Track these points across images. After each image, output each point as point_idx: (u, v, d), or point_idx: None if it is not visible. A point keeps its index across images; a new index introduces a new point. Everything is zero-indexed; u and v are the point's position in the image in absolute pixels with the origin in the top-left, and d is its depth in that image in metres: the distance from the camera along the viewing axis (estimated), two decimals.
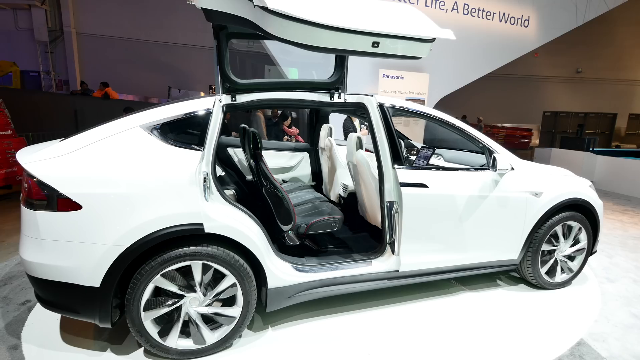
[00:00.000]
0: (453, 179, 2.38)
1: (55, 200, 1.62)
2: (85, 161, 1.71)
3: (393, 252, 2.31)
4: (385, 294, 2.54)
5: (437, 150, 3.27)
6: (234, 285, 1.88)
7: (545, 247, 2.69)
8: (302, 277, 2.09)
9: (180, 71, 12.65)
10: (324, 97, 2.59)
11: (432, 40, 1.89)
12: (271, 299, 2.02)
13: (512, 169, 2.54)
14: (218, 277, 1.88)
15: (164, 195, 1.73)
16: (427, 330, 2.21)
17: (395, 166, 2.25)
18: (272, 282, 1.98)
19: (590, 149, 7.96)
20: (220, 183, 2.99)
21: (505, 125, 17.28)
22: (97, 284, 1.66)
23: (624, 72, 18.31)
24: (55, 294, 1.74)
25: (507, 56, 7.70)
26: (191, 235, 1.78)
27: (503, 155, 2.50)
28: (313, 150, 3.67)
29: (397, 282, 2.35)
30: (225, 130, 6.17)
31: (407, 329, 2.22)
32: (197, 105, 2.01)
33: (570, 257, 2.85)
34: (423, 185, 2.26)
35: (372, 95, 2.36)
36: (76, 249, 1.65)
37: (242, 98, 2.36)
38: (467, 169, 2.49)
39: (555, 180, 2.70)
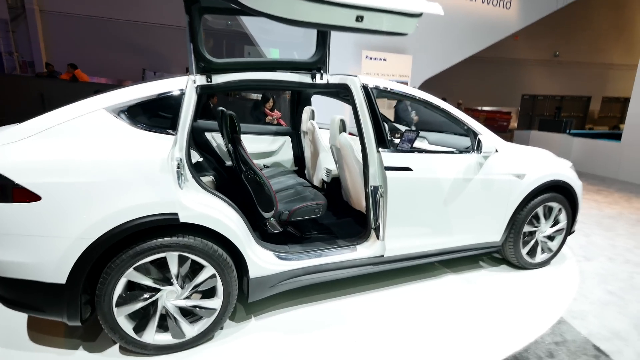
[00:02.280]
0: (438, 162, 2.34)
1: (10, 191, 1.47)
2: (43, 147, 1.56)
3: (378, 237, 2.27)
4: (369, 279, 2.52)
5: (422, 133, 3.22)
6: (213, 276, 1.79)
7: (526, 228, 2.72)
8: (285, 266, 2.02)
9: (156, 53, 12.05)
10: (305, 78, 2.48)
11: (419, 15, 1.79)
12: (253, 289, 1.94)
13: (496, 151, 2.52)
14: (196, 268, 1.78)
15: (133, 184, 1.60)
16: (412, 315, 2.20)
17: (380, 149, 2.18)
18: (253, 272, 1.91)
19: (567, 132, 8.14)
20: (199, 169, 2.85)
21: (485, 108, 17.50)
22: (63, 281, 1.54)
23: (599, 55, 18.73)
24: (18, 293, 1.61)
25: (490, 38, 7.68)
26: (165, 226, 1.67)
27: (487, 137, 2.47)
28: (295, 134, 3.55)
29: (382, 267, 2.32)
30: (210, 114, 5.94)
31: (393, 314, 2.20)
32: (168, 86, 1.86)
33: (550, 237, 2.89)
34: (408, 169, 2.21)
35: (356, 76, 2.26)
36: (37, 243, 1.51)
37: (219, 79, 2.22)
38: (451, 152, 2.45)
39: (538, 162, 2.70)
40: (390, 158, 2.19)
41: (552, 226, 2.85)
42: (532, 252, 2.83)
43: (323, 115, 3.54)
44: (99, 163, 1.58)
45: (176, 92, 1.84)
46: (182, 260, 1.74)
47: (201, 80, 2.13)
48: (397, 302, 2.33)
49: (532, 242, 2.80)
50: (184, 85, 1.87)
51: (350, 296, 2.36)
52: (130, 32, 12.02)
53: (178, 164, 1.69)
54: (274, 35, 5.27)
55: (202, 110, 6.15)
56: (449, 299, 2.38)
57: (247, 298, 1.96)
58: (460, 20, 7.26)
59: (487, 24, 7.53)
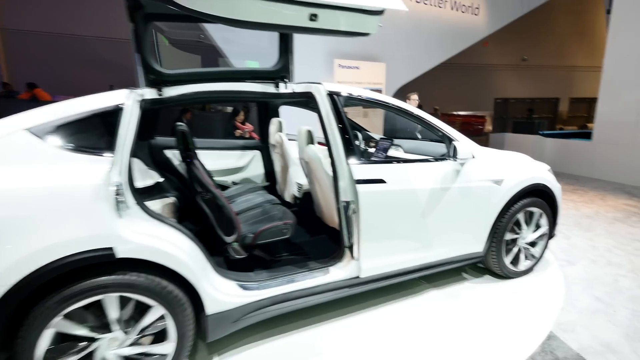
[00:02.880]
0: (413, 172, 2.19)
1: None
2: None
3: (352, 256, 2.09)
4: (345, 301, 2.32)
5: (396, 141, 3.09)
6: (163, 317, 1.56)
7: (508, 236, 2.60)
8: (249, 297, 1.81)
9: (124, 68, 11.65)
10: (268, 88, 2.31)
11: (380, 12, 1.65)
12: (213, 327, 1.71)
13: (473, 157, 2.40)
14: (143, 309, 1.55)
15: (59, 216, 1.36)
16: (393, 340, 2.01)
17: (350, 162, 2.01)
18: (212, 308, 1.68)
19: (540, 132, 8.29)
20: (159, 191, 2.61)
21: (461, 113, 17.84)
22: None
23: (564, 59, 19.53)
24: None
25: (460, 44, 7.78)
26: (103, 263, 1.44)
27: (463, 143, 2.35)
28: (265, 148, 3.36)
29: (358, 289, 2.14)
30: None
31: (372, 340, 2.01)
32: (104, 102, 1.64)
33: (532, 244, 2.79)
34: (381, 181, 2.05)
35: (321, 83, 2.10)
36: None
37: (171, 92, 2.02)
38: (427, 160, 2.32)
39: (516, 167, 2.61)
40: (362, 170, 2.03)
41: (534, 232, 2.75)
42: (515, 260, 2.72)
43: (296, 127, 3.36)
44: (14, 193, 1.33)
45: (114, 108, 1.62)
46: (124, 301, 1.50)
47: (151, 93, 1.92)
48: (376, 326, 2.14)
49: (515, 249, 2.69)
50: (124, 100, 1.65)
51: (325, 323, 2.16)
52: (96, 47, 11.62)
53: (117, 190, 1.46)
54: (239, 45, 5.09)
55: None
56: (432, 319, 2.21)
57: (205, 337, 1.73)
58: (431, 27, 7.33)
59: (457, 30, 7.64)
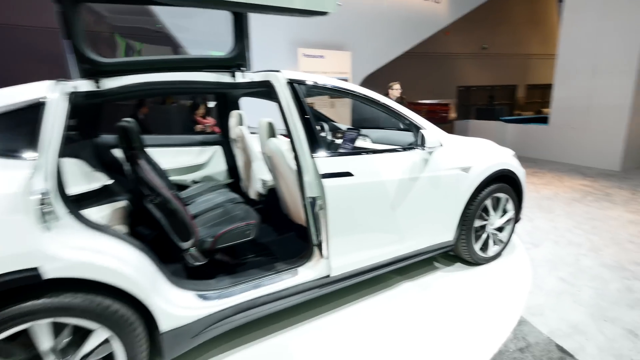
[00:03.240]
0: (381, 163, 2.10)
1: None
2: None
3: (322, 255, 1.98)
4: (316, 301, 2.22)
5: (364, 131, 3.00)
6: (108, 340, 1.37)
7: (477, 223, 2.60)
8: (210, 307, 1.65)
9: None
10: (223, 78, 2.13)
11: None
12: (169, 345, 1.54)
13: (441, 145, 2.35)
14: (85, 333, 1.35)
15: None
16: (367, 337, 1.93)
17: (315, 155, 1.88)
18: (166, 324, 1.51)
19: (500, 118, 8.57)
20: (108, 194, 2.36)
21: (426, 101, 18.21)
22: None
23: (520, 47, 20.38)
24: None
25: (423, 32, 7.83)
26: (29, 286, 1.22)
27: (431, 131, 2.29)
28: (226, 143, 3.16)
29: (329, 288, 2.04)
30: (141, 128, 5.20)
31: (346, 339, 1.92)
32: (21, 96, 1.39)
33: (500, 229, 2.82)
34: (348, 174, 1.94)
35: (279, 71, 1.94)
36: None
37: (110, 83, 1.80)
38: (395, 150, 2.24)
39: (482, 153, 2.59)
40: (328, 163, 1.91)
41: (501, 217, 2.77)
42: (484, 247, 2.73)
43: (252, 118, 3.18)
44: None
45: (33, 103, 1.38)
46: (60, 327, 1.29)
47: (86, 85, 1.69)
48: (350, 325, 2.05)
49: (484, 236, 2.70)
50: (46, 93, 1.42)
51: (295, 327, 2.04)
52: (43, 39, 10.63)
53: (42, 199, 1.24)
54: (194, 33, 4.74)
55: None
56: (406, 312, 2.16)
57: (162, 357, 1.55)
58: (395, 15, 7.30)
59: (420, 18, 7.66)
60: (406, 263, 2.34)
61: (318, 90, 2.07)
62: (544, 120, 7.37)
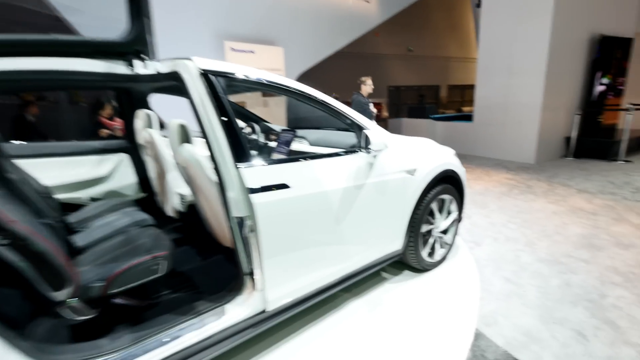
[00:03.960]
0: (322, 170, 1.80)
1: None
2: None
3: (255, 286, 1.61)
4: (250, 340, 1.84)
5: (300, 132, 2.68)
6: None
7: (424, 228, 2.45)
8: None
9: None
10: (117, 68, 1.64)
11: None
12: None
13: (386, 146, 2.13)
14: None
15: None
16: None
17: (240, 164, 1.51)
18: None
19: (430, 117, 8.96)
20: None
21: None
22: None
23: (441, 50, 21.96)
24: None
25: (355, 31, 7.80)
26: None
27: (376, 132, 2.05)
28: (134, 149, 2.60)
29: (267, 325, 1.68)
30: (27, 131, 4.21)
31: None
32: None
33: (445, 231, 2.72)
34: (283, 186, 1.60)
35: (190, 59, 1.52)
36: None
37: None
38: (336, 154, 1.95)
39: (426, 154, 2.44)
40: (258, 174, 1.54)
41: (446, 219, 2.67)
42: (431, 251, 2.60)
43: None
44: None
45: None
46: None
47: None
48: None
49: (431, 240, 2.56)
50: None
51: None
52: None
53: None
54: (88, 16, 3.93)
55: (15, 125, 4.41)
56: (357, 336, 1.89)
57: None
58: (328, 12, 7.13)
59: (352, 16, 7.62)
60: (355, 280, 2.08)
61: (243, 84, 1.68)
62: (469, 118, 7.81)
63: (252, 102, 5.55)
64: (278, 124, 3.19)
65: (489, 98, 7.19)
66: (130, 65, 1.74)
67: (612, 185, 4.78)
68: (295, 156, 1.75)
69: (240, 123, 3.16)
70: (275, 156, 2.28)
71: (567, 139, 6.96)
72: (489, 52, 7.12)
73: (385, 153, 2.11)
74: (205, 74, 1.50)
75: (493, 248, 2.96)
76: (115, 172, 2.55)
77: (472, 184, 5.16)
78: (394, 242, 2.27)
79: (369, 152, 1.95)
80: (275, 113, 5.69)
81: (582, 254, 2.79)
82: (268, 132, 3.00)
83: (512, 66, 6.73)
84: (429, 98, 20.80)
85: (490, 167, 6.31)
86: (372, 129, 2.07)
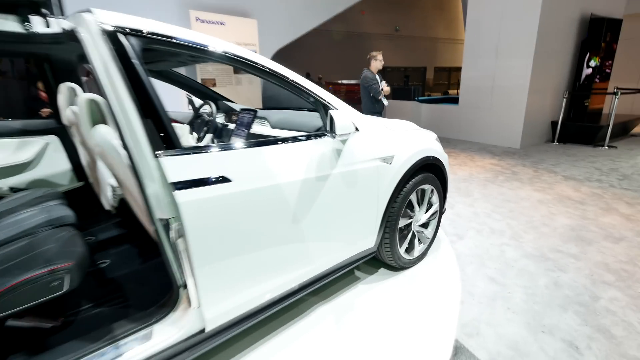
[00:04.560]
0: (275, 159, 1.47)
1: None
2: None
3: (190, 302, 1.30)
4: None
5: (262, 112, 2.33)
6: None
7: (402, 222, 2.18)
8: None
9: None
10: (5, 25, 1.25)
11: None
12: None
13: (357, 129, 1.82)
14: None
15: None
16: None
17: (161, 152, 1.16)
18: None
19: (416, 98, 8.65)
20: None
21: (344, 82, 18.11)
22: None
23: (429, 31, 21.48)
24: None
25: (339, 5, 7.29)
26: None
27: (343, 112, 1.72)
28: (65, 130, 2.21)
29: (207, 346, 1.38)
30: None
31: None
32: None
33: (425, 224, 2.47)
34: (223, 180, 1.27)
35: (90, 11, 1.14)
36: None
37: None
38: (296, 139, 1.62)
39: (405, 139, 2.14)
40: (187, 165, 1.21)
41: (427, 211, 2.41)
42: (410, 247, 2.35)
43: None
44: None
45: None
46: None
47: None
48: None
49: (409, 235, 2.30)
50: None
51: None
52: None
53: None
54: None
55: None
56: (324, 350, 1.63)
57: None
58: None
59: None
60: (319, 285, 1.80)
61: (169, 49, 1.31)
62: (456, 101, 7.54)
63: (222, 79, 5.10)
64: (254, 104, 2.82)
65: (475, 80, 6.91)
66: (27, 22, 1.35)
67: (598, 172, 4.63)
68: (243, 142, 1.41)
69: (199, 102, 2.78)
70: (227, 140, 1.93)
71: (554, 123, 6.80)
72: (476, 32, 6.79)
73: (357, 138, 1.80)
74: (112, 33, 1.13)
75: (477, 242, 2.73)
76: (42, 157, 2.16)
77: (456, 169, 4.93)
78: (366, 240, 1.99)
79: (334, 137, 1.62)
80: (248, 92, 5.27)
81: (570, 248, 2.59)
82: (229, 112, 2.64)
83: (499, 47, 6.43)
84: (415, 80, 20.43)
85: (475, 151, 6.10)
86: (340, 109, 1.74)
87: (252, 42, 5.36)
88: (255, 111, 2.26)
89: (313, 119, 2.10)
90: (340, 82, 17.34)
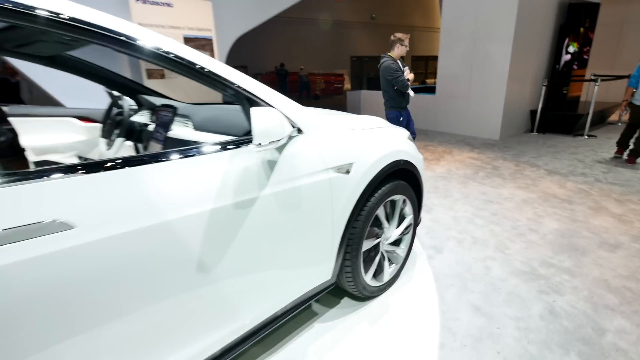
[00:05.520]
0: (162, 184, 0.99)
1: None
2: None
3: None
4: None
5: (188, 109, 1.82)
6: None
7: (366, 244, 1.75)
8: None
9: None
10: None
11: None
12: None
13: (300, 131, 1.36)
14: None
15: None
16: None
17: None
18: None
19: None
20: None
21: (321, 72, 17.56)
22: None
23: (405, 19, 21.10)
24: None
25: None
26: None
27: (274, 110, 1.24)
28: None
29: None
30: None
31: None
32: None
33: (397, 241, 2.06)
34: (61, 227, 0.78)
35: None
36: None
37: None
38: (197, 150, 1.12)
39: (368, 140, 1.69)
40: None
41: (398, 226, 1.99)
42: (378, 272, 1.93)
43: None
44: None
45: None
46: None
47: None
48: None
49: (377, 257, 1.88)
50: None
51: None
52: None
53: None
54: None
55: None
56: None
57: None
58: None
59: None
60: (250, 343, 1.34)
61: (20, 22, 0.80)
62: (433, 90, 7.18)
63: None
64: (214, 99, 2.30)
65: (452, 67, 6.55)
66: None
67: (582, 164, 4.37)
68: (104, 160, 0.92)
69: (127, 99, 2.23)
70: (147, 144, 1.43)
71: (532, 113, 6.55)
72: (453, 16, 6.40)
73: (301, 143, 1.34)
74: None
75: (457, 256, 2.34)
76: None
77: (434, 165, 4.56)
78: (318, 273, 1.55)
79: (258, 145, 1.14)
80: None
81: (563, 260, 2.24)
82: (153, 109, 2.12)
83: (477, 31, 6.07)
84: None
85: (453, 144, 5.76)
86: (275, 102, 1.26)
87: (207, 27, 4.76)
88: (175, 108, 1.76)
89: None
90: (316, 72, 16.77)
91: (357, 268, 1.72)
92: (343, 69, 19.08)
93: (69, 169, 0.84)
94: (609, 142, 5.57)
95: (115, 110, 2.13)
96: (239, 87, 1.21)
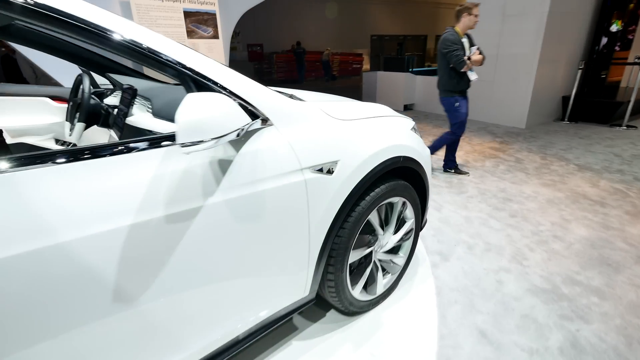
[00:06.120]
0: (68, 192, 0.75)
1: None
2: None
3: None
4: None
5: (152, 91, 1.57)
6: None
7: (354, 255, 1.50)
8: None
9: None
10: None
11: None
12: None
13: (265, 122, 1.09)
14: None
15: None
16: None
17: None
18: None
19: (410, 70, 7.75)
20: None
21: (339, 52, 16.91)
22: None
23: None
24: None
25: None
26: None
27: (238, 94, 0.98)
28: None
29: None
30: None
31: None
32: None
33: (394, 249, 1.79)
34: None
35: None
36: None
37: None
38: (129, 146, 0.88)
39: (359, 133, 1.40)
40: None
41: (396, 232, 1.71)
42: (369, 283, 1.69)
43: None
44: None
45: None
46: None
47: None
48: None
49: (368, 269, 1.63)
50: None
51: None
52: None
53: None
54: None
55: None
56: None
57: None
58: None
59: None
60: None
61: None
62: None
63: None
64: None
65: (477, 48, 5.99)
66: None
67: (619, 159, 3.90)
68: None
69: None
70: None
71: (565, 99, 5.97)
72: None
73: (268, 137, 1.07)
74: None
75: (466, 265, 2.05)
76: None
77: None
78: (291, 291, 1.31)
79: (182, 146, 0.87)
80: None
81: (592, 278, 1.91)
82: (125, 91, 1.88)
83: (506, 7, 5.49)
84: (415, 50, 19.15)
85: (474, 132, 5.33)
86: (235, 87, 0.99)
87: (210, 1, 4.44)
88: (135, 90, 1.51)
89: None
90: (335, 52, 16.16)
91: (342, 282, 1.48)
92: (363, 48, 18.33)
93: None
94: None
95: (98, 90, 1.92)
96: (181, 65, 0.94)
